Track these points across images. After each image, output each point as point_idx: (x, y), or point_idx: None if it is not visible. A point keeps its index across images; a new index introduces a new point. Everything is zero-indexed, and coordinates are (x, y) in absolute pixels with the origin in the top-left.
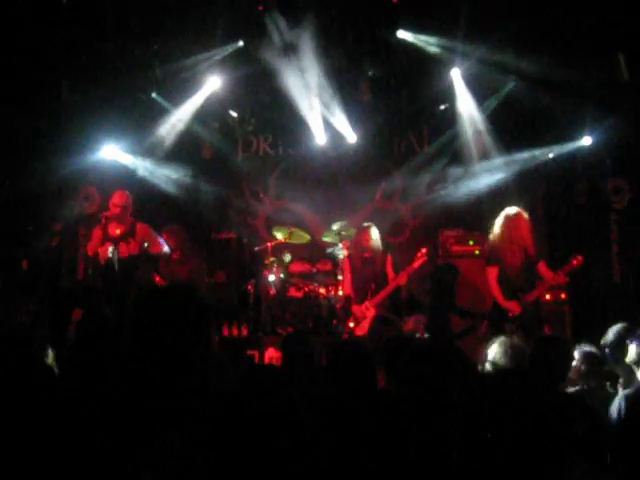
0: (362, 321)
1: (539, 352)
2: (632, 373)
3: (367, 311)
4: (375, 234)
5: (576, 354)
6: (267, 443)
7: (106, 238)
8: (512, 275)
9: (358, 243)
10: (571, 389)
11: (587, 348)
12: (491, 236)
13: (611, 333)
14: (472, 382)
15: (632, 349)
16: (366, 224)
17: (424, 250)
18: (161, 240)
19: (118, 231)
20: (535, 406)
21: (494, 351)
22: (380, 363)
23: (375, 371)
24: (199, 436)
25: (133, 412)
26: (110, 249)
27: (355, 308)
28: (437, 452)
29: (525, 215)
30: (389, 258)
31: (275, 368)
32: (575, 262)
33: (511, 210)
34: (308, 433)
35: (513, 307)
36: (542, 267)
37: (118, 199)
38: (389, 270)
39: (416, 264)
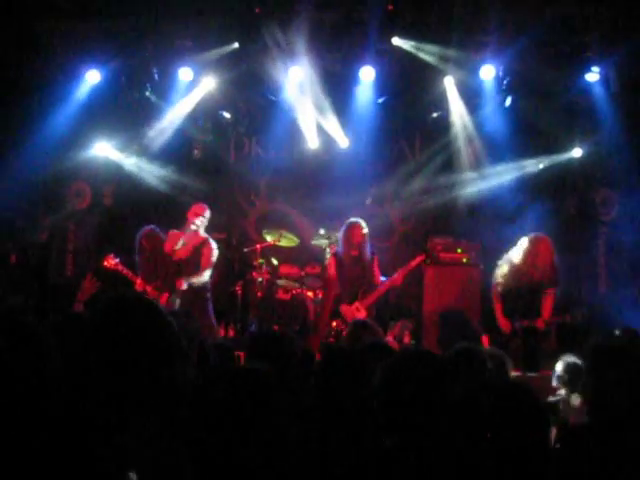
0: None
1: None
2: None
3: (357, 312)
4: (365, 230)
5: (560, 364)
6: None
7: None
8: (511, 297)
9: (347, 239)
10: (552, 398)
11: (571, 358)
12: (510, 254)
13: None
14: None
15: None
16: (354, 219)
17: (423, 255)
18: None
19: (187, 241)
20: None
21: None
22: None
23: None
24: (180, 435)
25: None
26: (177, 301)
27: (344, 308)
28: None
29: (549, 244)
30: (375, 258)
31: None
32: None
33: (536, 236)
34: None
35: (504, 326)
36: (547, 300)
37: (200, 209)
38: (375, 270)
39: (413, 263)
